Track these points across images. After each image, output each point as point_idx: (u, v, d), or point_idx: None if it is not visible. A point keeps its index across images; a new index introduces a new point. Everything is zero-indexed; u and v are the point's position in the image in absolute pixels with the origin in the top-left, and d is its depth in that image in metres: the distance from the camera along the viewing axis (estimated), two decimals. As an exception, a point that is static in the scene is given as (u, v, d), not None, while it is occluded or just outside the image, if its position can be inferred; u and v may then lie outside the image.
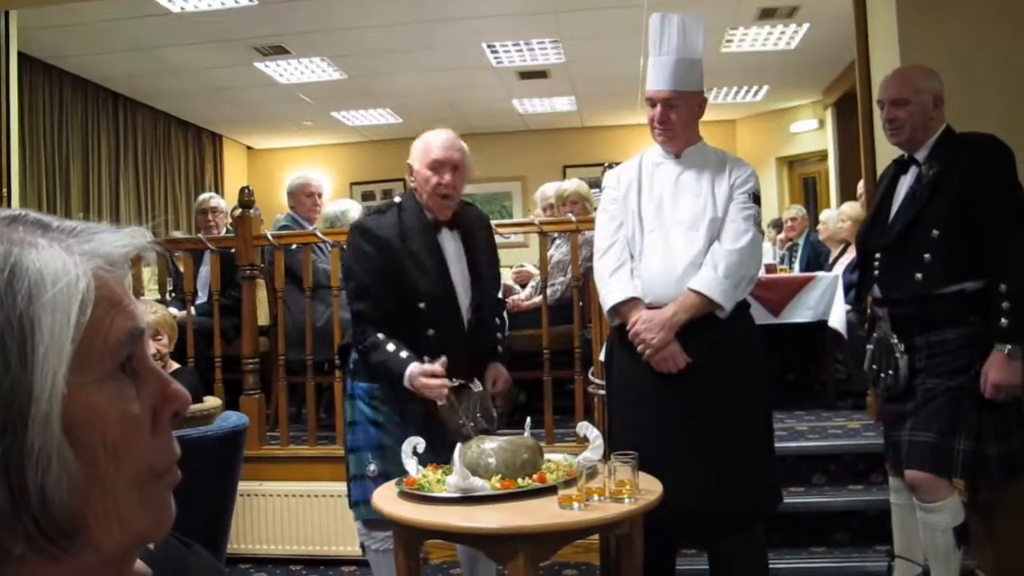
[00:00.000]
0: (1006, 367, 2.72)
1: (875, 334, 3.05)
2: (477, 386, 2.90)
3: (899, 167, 3.05)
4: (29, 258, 0.54)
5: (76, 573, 0.56)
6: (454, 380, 2.75)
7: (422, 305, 2.84)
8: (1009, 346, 2.72)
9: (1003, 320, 2.72)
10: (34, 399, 0.52)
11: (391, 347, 2.79)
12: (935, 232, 2.81)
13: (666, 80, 2.87)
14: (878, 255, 3.00)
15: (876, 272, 3.00)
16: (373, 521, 2.85)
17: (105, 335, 0.57)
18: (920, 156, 2.95)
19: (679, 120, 2.89)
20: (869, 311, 3.13)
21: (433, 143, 2.89)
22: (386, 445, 2.86)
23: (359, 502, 2.90)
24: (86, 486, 0.54)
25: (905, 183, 2.99)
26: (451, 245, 2.95)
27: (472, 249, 2.98)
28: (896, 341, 2.91)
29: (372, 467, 2.87)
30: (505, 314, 4.81)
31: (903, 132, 2.95)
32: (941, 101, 2.95)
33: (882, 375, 2.97)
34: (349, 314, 3.03)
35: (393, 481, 2.56)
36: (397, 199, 3.02)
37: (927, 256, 2.82)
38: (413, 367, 2.74)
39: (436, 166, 2.85)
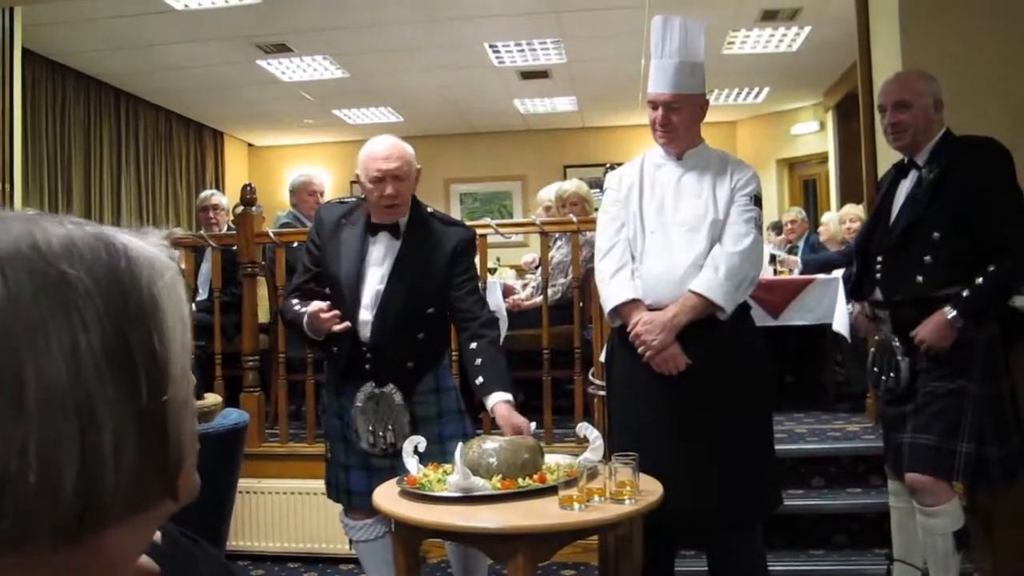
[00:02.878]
0: (943, 330, 2.79)
1: (876, 336, 3.06)
2: (398, 398, 2.89)
3: (899, 171, 3.06)
4: (132, 245, 0.61)
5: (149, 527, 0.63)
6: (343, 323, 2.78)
7: (327, 290, 2.97)
8: (956, 313, 2.76)
9: (967, 292, 2.77)
10: (171, 361, 0.60)
11: (296, 304, 2.91)
12: (936, 234, 2.83)
13: (668, 83, 2.88)
14: (880, 258, 3.01)
15: (878, 275, 3.01)
16: (351, 511, 3.02)
17: None
18: (920, 160, 2.96)
19: (681, 123, 2.89)
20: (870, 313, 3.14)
21: (374, 155, 2.87)
22: (331, 435, 3.04)
23: (326, 482, 3.10)
24: None
25: (905, 186, 3.01)
26: (380, 250, 2.92)
27: (404, 263, 2.89)
28: (897, 343, 2.92)
29: (328, 453, 3.06)
30: (505, 315, 4.82)
31: (905, 136, 2.95)
32: (941, 105, 2.96)
33: (883, 377, 2.98)
34: None
35: (394, 480, 2.57)
36: (361, 196, 3.08)
37: (928, 258, 2.84)
38: (308, 308, 2.81)
39: (377, 180, 2.83)
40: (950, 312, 2.77)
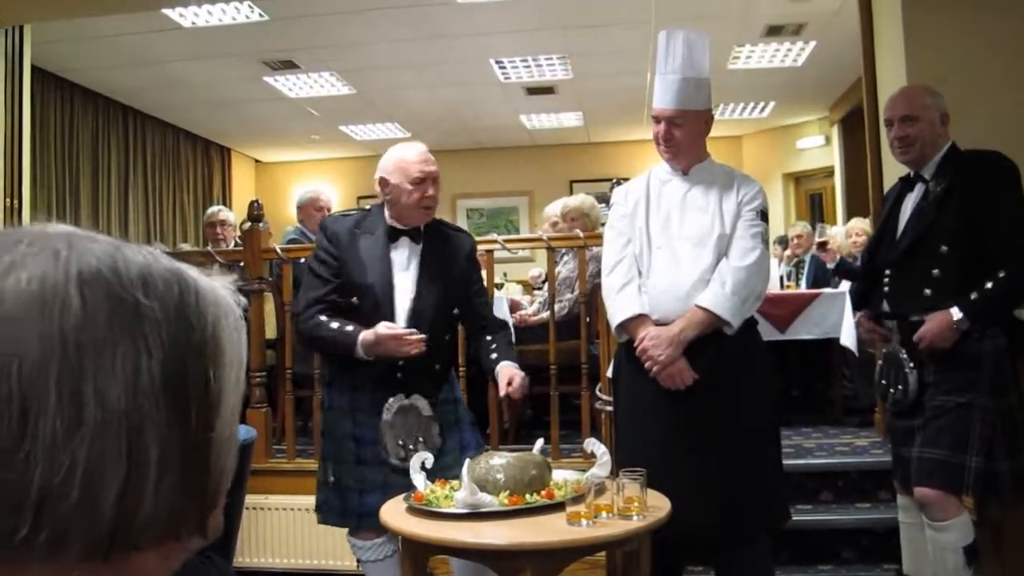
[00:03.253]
0: (945, 330, 2.79)
1: (884, 349, 3.06)
2: (426, 409, 2.91)
3: (905, 184, 3.06)
4: (205, 285, 0.63)
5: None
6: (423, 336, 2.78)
7: (354, 299, 2.90)
8: (963, 316, 2.76)
9: (975, 295, 2.77)
10: (223, 400, 0.62)
11: (335, 324, 2.85)
12: (944, 248, 2.83)
13: (670, 98, 2.89)
14: (887, 271, 3.01)
15: (885, 288, 3.02)
16: (359, 530, 2.93)
17: None
18: (926, 173, 2.97)
19: (683, 138, 2.90)
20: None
21: (413, 158, 2.94)
22: (340, 459, 2.93)
23: (319, 507, 2.99)
24: None
25: (911, 200, 3.01)
26: (403, 254, 2.97)
27: (429, 265, 2.96)
28: (905, 355, 2.92)
29: (331, 478, 2.95)
30: (511, 330, 4.83)
31: (913, 150, 2.96)
32: (947, 118, 2.97)
33: (891, 389, 2.97)
34: None
35: (401, 496, 2.57)
36: (368, 207, 3.10)
37: (936, 272, 2.84)
38: (367, 332, 2.76)
39: (419, 181, 2.91)
40: (956, 313, 2.77)
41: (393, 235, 2.96)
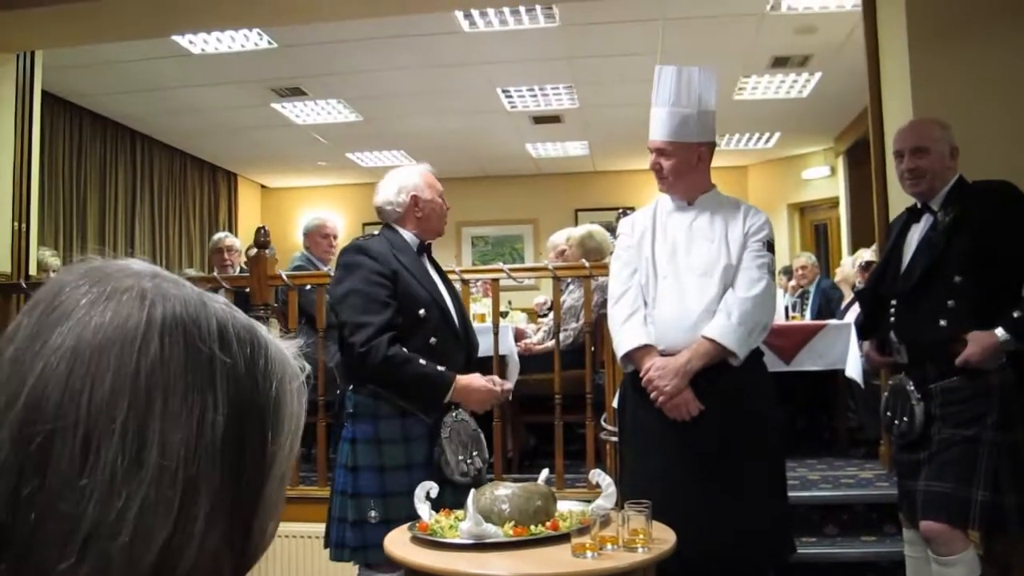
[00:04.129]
0: (989, 350, 2.75)
1: (891, 381, 3.04)
2: (472, 422, 2.96)
3: (911, 215, 3.06)
4: (271, 344, 0.65)
5: None
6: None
7: (422, 312, 2.89)
8: (1008, 337, 2.74)
9: (1018, 314, 2.75)
10: (276, 463, 0.63)
11: (423, 361, 2.82)
12: (957, 278, 2.82)
13: (659, 130, 2.94)
14: (893, 302, 3.00)
15: (892, 318, 3.00)
16: (375, 564, 2.84)
17: None
18: (934, 205, 2.97)
19: (671, 169, 2.92)
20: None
21: (430, 175, 3.15)
22: (389, 492, 2.82)
23: (358, 548, 2.84)
24: None
25: (917, 231, 3.01)
26: (431, 268, 3.12)
27: (444, 278, 3.18)
28: (912, 388, 2.90)
29: (374, 513, 2.82)
30: (516, 359, 4.83)
31: (923, 181, 2.96)
32: (956, 151, 2.98)
33: (896, 421, 2.95)
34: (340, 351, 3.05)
35: (406, 526, 2.55)
36: (375, 233, 3.14)
37: (951, 302, 2.82)
38: (463, 377, 2.87)
39: (442, 195, 3.14)
40: (1001, 334, 2.74)
41: (419, 251, 3.08)
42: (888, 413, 3.01)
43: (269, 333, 0.66)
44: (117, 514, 0.53)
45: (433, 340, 2.90)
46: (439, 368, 2.82)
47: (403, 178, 3.09)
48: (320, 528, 4.09)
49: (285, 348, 0.66)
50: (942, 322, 2.83)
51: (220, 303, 0.63)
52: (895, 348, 3.02)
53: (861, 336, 3.29)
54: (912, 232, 3.03)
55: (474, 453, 2.90)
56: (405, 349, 2.81)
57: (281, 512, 0.66)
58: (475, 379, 2.90)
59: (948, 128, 3.01)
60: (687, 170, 2.94)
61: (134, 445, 0.54)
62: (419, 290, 2.92)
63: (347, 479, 2.90)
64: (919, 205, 3.04)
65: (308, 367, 0.69)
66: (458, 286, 3.40)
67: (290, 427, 0.64)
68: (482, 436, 2.99)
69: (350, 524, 2.86)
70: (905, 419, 2.91)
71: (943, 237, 2.87)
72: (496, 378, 2.92)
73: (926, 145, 2.95)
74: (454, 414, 2.90)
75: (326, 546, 2.98)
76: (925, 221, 2.99)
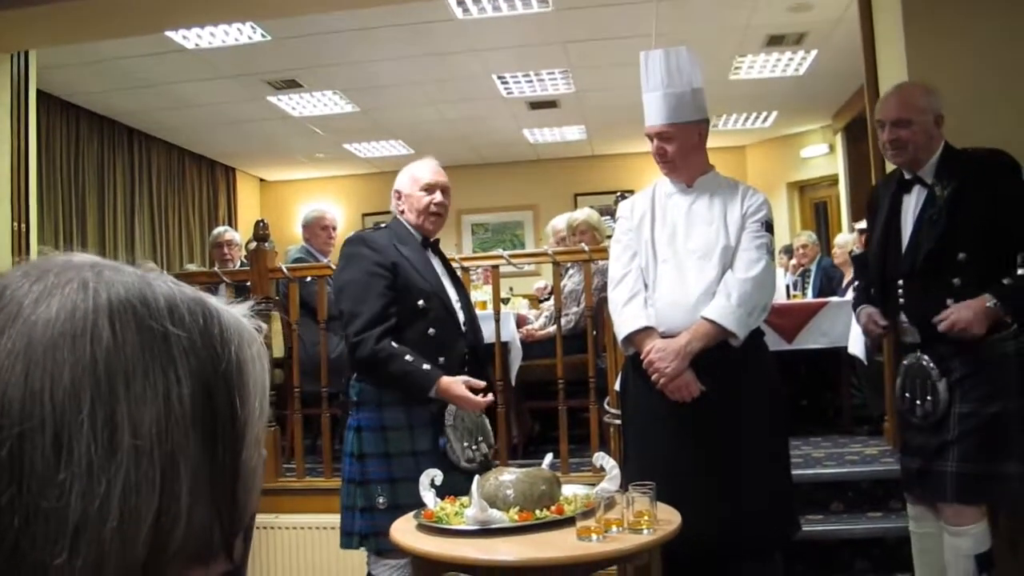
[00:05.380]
0: (980, 316, 2.72)
1: (904, 361, 2.96)
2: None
3: (900, 186, 3.00)
4: (223, 312, 0.64)
5: None
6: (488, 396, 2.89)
7: (421, 303, 2.93)
8: (997, 302, 2.71)
9: (1008, 280, 2.74)
10: (249, 428, 0.62)
11: (410, 358, 2.83)
12: (961, 255, 2.78)
13: (657, 115, 2.92)
14: (900, 282, 2.94)
15: (900, 300, 2.95)
16: (383, 550, 2.88)
17: None
18: (926, 176, 2.92)
19: (676, 152, 2.92)
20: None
21: (422, 169, 3.13)
22: (396, 478, 2.87)
23: (368, 535, 2.88)
24: None
25: (911, 203, 2.96)
26: (436, 261, 3.14)
27: (451, 271, 3.20)
28: (932, 366, 2.83)
29: (382, 499, 2.86)
30: (518, 344, 4.84)
31: (905, 153, 2.92)
32: (942, 119, 2.93)
33: (918, 403, 2.86)
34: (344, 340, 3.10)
35: (411, 513, 2.56)
36: (383, 224, 3.21)
37: (956, 280, 2.78)
38: (446, 378, 2.83)
39: (429, 188, 3.08)
40: (989, 299, 2.71)
41: (424, 243, 3.11)
42: (907, 395, 2.92)
43: (218, 301, 0.65)
44: (101, 500, 0.53)
45: (432, 331, 2.91)
46: (425, 367, 2.82)
47: (401, 172, 3.19)
48: (327, 519, 4.13)
49: (238, 313, 0.66)
50: (949, 301, 2.78)
51: (165, 280, 0.63)
52: (906, 329, 2.96)
53: (858, 302, 3.22)
54: (906, 204, 2.97)
55: (479, 439, 2.94)
56: (395, 343, 2.85)
57: (262, 475, 0.67)
58: (454, 386, 2.82)
59: (934, 94, 2.95)
60: (690, 150, 2.95)
61: (105, 432, 0.54)
62: (419, 281, 2.94)
63: (354, 467, 2.93)
64: (907, 175, 2.98)
65: (264, 326, 0.69)
66: (459, 274, 3.38)
67: (256, 390, 0.63)
68: (487, 423, 3.01)
69: (359, 511, 2.90)
70: (928, 399, 2.83)
71: (943, 215, 2.82)
72: (479, 383, 2.84)
73: (908, 116, 2.89)
74: None
75: (348, 539, 3.00)
76: (918, 193, 2.94)
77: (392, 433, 2.91)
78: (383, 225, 3.18)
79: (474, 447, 2.91)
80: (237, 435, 0.61)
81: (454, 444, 2.87)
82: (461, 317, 3.04)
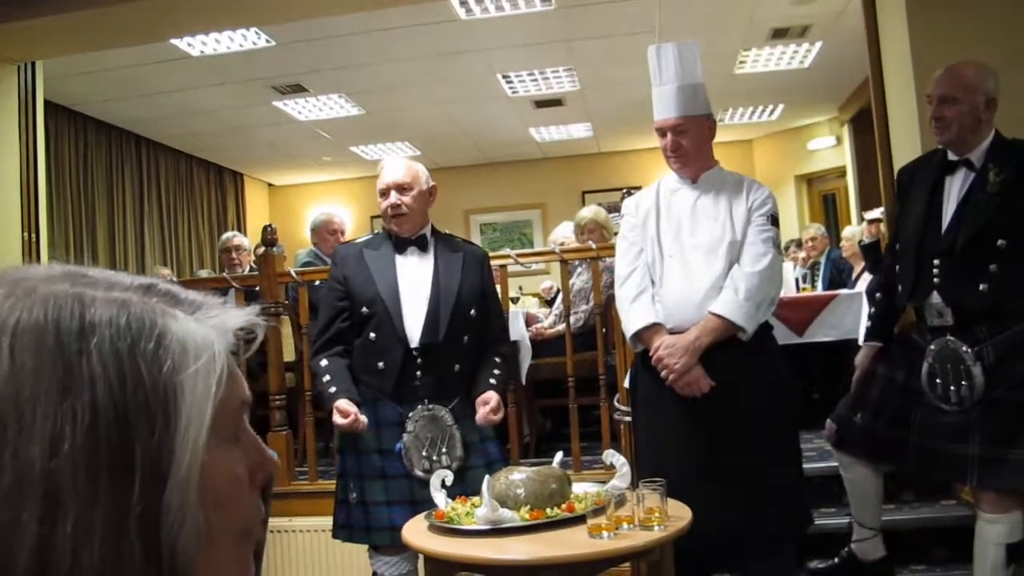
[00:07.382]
0: None
1: (932, 346, 2.89)
2: (448, 419, 2.95)
3: (943, 167, 2.95)
4: (172, 328, 0.58)
5: None
6: (363, 417, 2.88)
7: (365, 309, 2.99)
8: None
9: None
10: (175, 462, 0.55)
11: (327, 378, 2.96)
12: (1001, 242, 2.74)
13: (671, 108, 2.91)
14: (936, 261, 2.88)
15: (935, 279, 2.87)
16: (382, 547, 2.97)
17: (229, 404, 0.62)
18: (975, 160, 2.87)
19: (691, 145, 2.92)
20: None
21: (382, 172, 3.13)
22: (364, 474, 2.97)
23: (342, 526, 3.02)
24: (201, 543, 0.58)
25: (955, 184, 2.91)
26: (413, 261, 3.07)
27: (441, 269, 3.06)
28: (967, 350, 2.78)
29: (354, 494, 2.98)
30: (528, 343, 4.84)
31: (949, 131, 2.87)
32: (994, 103, 2.87)
33: (951, 388, 2.80)
34: None
35: (423, 514, 2.58)
36: (378, 231, 3.25)
37: (993, 267, 2.75)
38: (340, 402, 2.88)
39: (383, 192, 3.08)
40: None
41: (400, 245, 3.07)
42: (938, 380, 2.85)
43: (181, 314, 0.60)
44: None
45: (372, 335, 2.98)
46: (331, 389, 2.92)
47: None
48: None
49: (197, 326, 0.60)
50: (982, 286, 2.75)
51: (113, 295, 0.58)
52: (939, 310, 2.88)
53: (870, 336, 3.21)
54: (950, 186, 2.92)
55: (443, 451, 2.92)
56: (328, 360, 3.00)
57: (232, 500, 0.61)
58: (337, 413, 2.87)
59: (990, 76, 2.88)
60: (703, 144, 2.95)
61: None
62: (363, 288, 3.00)
63: (338, 461, 3.10)
64: (950, 155, 2.93)
65: (259, 334, 0.65)
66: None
67: (191, 417, 0.56)
68: (457, 435, 2.95)
69: (338, 503, 3.04)
70: (963, 383, 2.77)
71: (992, 200, 2.77)
72: (347, 407, 2.85)
73: (955, 95, 2.85)
74: (424, 408, 2.94)
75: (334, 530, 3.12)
76: (963, 175, 2.89)
77: (361, 432, 2.98)
78: (378, 232, 3.24)
79: (434, 457, 2.90)
80: (153, 473, 0.55)
81: (411, 451, 2.91)
82: (412, 318, 2.96)
